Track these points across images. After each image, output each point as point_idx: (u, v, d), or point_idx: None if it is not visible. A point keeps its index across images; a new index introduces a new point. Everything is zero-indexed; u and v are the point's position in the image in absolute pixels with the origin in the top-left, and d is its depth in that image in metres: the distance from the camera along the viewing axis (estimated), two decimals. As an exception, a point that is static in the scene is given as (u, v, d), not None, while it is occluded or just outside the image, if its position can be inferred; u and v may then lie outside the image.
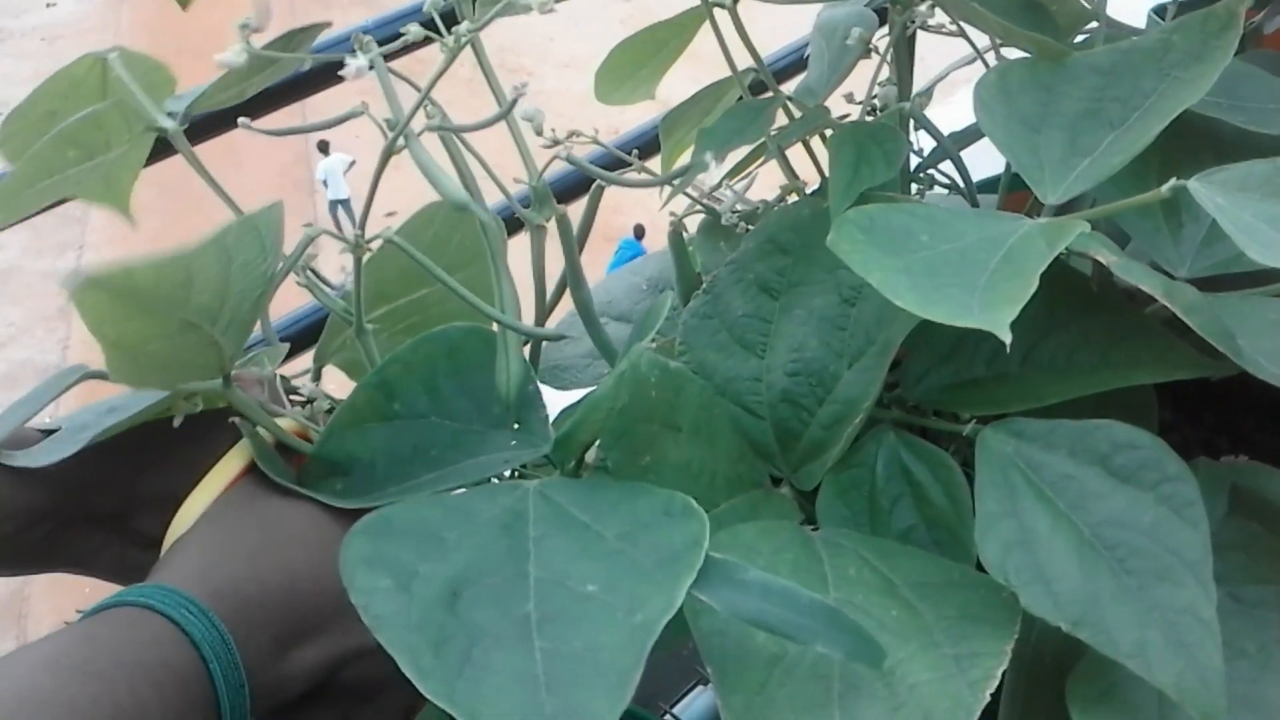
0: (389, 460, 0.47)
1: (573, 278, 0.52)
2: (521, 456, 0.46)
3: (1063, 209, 0.53)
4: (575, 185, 0.69)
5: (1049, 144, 0.53)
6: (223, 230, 0.36)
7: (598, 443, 0.46)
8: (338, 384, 0.56)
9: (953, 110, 0.72)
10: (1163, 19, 0.89)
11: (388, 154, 0.41)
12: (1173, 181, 0.45)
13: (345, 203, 7.59)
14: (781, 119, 0.64)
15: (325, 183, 7.56)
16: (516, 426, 0.47)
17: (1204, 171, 0.45)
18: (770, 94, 0.61)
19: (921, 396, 0.55)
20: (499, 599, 0.37)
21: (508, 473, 0.48)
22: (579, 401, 0.46)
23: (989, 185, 0.73)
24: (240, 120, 0.48)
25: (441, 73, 0.40)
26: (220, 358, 0.43)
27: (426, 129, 0.41)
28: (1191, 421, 0.70)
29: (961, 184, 0.63)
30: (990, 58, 0.71)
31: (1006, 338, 0.38)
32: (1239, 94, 0.62)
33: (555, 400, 0.63)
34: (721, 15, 0.65)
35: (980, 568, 0.48)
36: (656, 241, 0.66)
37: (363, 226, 0.45)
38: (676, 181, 0.55)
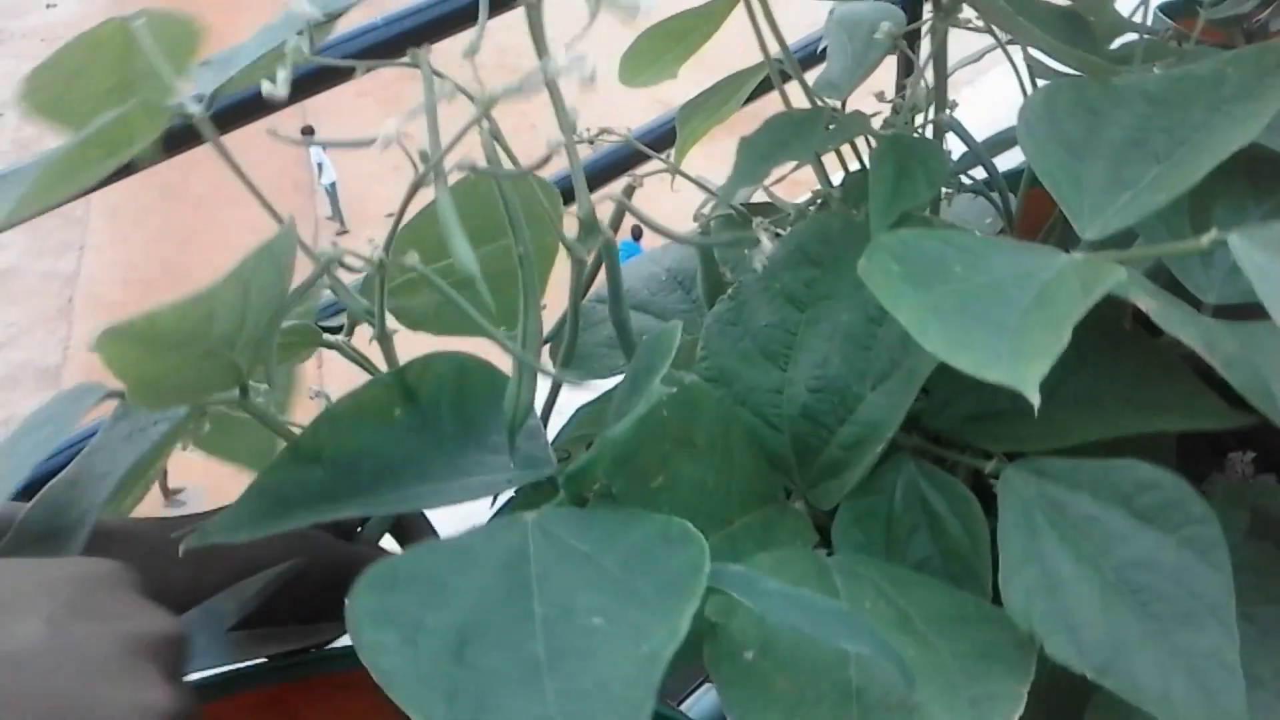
0: (378, 463, 0.46)
1: (614, 301, 0.51)
2: (520, 479, 0.46)
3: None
4: (589, 180, 0.68)
5: (1091, 173, 0.52)
6: (242, 262, 0.35)
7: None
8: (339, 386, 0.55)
9: (964, 107, 0.71)
10: (1170, 18, 0.87)
11: (414, 189, 0.40)
12: (1213, 233, 0.44)
13: (332, 187, 7.53)
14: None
15: (320, 166, 7.49)
16: (515, 454, 0.47)
17: (1246, 227, 0.44)
18: (805, 100, 0.60)
19: (943, 427, 0.54)
20: (506, 641, 0.37)
21: (508, 499, 0.47)
22: (592, 433, 0.45)
23: (1011, 179, 0.72)
24: (268, 129, 0.46)
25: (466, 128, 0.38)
26: (238, 374, 0.42)
27: (457, 168, 0.39)
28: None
29: (994, 192, 0.62)
30: (1014, 50, 0.70)
31: (1035, 399, 0.37)
32: (1275, 114, 0.61)
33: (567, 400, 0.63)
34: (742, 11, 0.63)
35: (995, 600, 0.48)
36: (653, 242, 0.65)
37: (387, 248, 0.43)
38: (718, 191, 0.53)
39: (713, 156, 0.69)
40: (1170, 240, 0.58)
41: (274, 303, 0.40)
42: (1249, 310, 0.57)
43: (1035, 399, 0.38)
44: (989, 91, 0.77)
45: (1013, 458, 0.50)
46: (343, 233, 8.52)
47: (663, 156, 0.62)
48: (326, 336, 0.54)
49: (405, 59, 0.43)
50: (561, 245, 0.48)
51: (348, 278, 0.50)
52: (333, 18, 0.49)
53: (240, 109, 0.66)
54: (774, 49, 0.66)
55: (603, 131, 0.57)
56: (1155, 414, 0.50)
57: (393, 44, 0.67)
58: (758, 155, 0.53)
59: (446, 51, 0.51)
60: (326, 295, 0.57)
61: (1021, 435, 0.51)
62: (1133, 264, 0.55)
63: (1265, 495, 0.55)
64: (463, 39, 0.49)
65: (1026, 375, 0.39)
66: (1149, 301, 0.47)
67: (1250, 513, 0.55)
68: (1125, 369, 0.52)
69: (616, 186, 0.58)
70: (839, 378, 0.54)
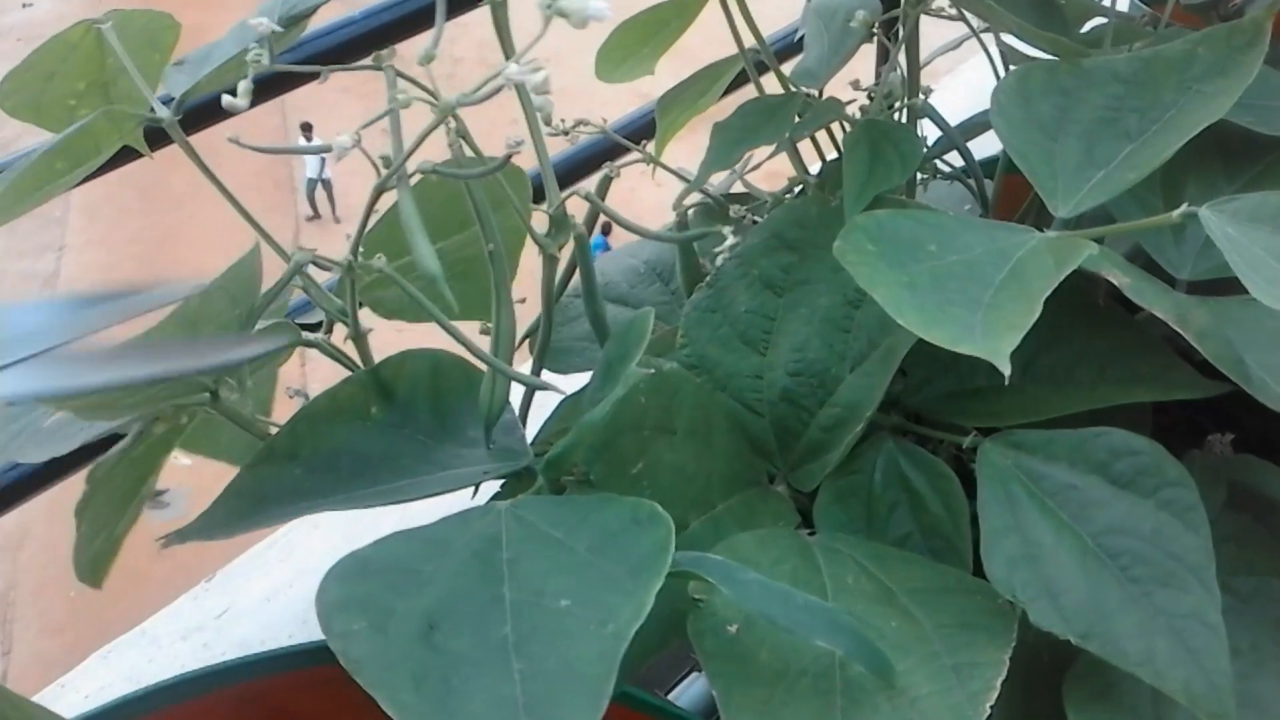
0: (355, 460, 0.46)
1: (589, 296, 0.51)
2: (496, 470, 0.46)
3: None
4: (567, 173, 0.68)
5: (1064, 153, 0.52)
6: (184, 303, 0.36)
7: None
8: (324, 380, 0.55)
9: (942, 95, 0.72)
10: (1145, 3, 0.88)
11: (378, 192, 0.40)
12: (1184, 208, 0.45)
13: (326, 182, 7.49)
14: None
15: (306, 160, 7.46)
16: (491, 447, 0.47)
17: (1216, 201, 0.45)
18: (781, 89, 0.60)
19: (921, 405, 0.55)
20: (476, 625, 0.37)
21: (487, 491, 0.48)
22: (573, 425, 0.45)
23: (986, 166, 0.73)
24: (229, 138, 0.46)
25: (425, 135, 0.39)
26: (204, 383, 0.42)
27: (419, 171, 0.39)
28: (1179, 401, 0.71)
29: (970, 178, 0.62)
30: (988, 39, 0.71)
31: (1006, 369, 0.38)
32: (1246, 91, 0.62)
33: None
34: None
35: (976, 573, 0.48)
36: (625, 238, 0.65)
37: (355, 251, 0.43)
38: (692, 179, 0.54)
39: (695, 147, 0.69)
40: (1144, 217, 0.59)
41: (235, 325, 0.41)
42: (1221, 285, 0.57)
43: (1006, 370, 0.38)
44: (966, 80, 0.78)
45: (991, 433, 0.51)
46: (337, 223, 8.43)
47: (641, 148, 0.62)
48: (305, 335, 0.54)
49: (369, 61, 0.43)
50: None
51: (326, 275, 0.51)
52: (295, 23, 0.50)
53: (217, 106, 0.66)
54: (750, 40, 0.67)
55: (579, 124, 0.57)
56: (1130, 386, 0.51)
57: (371, 38, 0.68)
58: (731, 140, 0.54)
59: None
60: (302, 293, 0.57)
61: (998, 411, 0.51)
62: (1107, 241, 0.56)
63: (1242, 470, 0.56)
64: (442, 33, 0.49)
65: (998, 348, 0.40)
66: (1122, 277, 0.47)
67: (1227, 487, 0.55)
68: (1100, 344, 0.53)
69: (596, 179, 0.59)
70: (818, 361, 0.54)
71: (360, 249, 0.44)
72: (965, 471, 0.51)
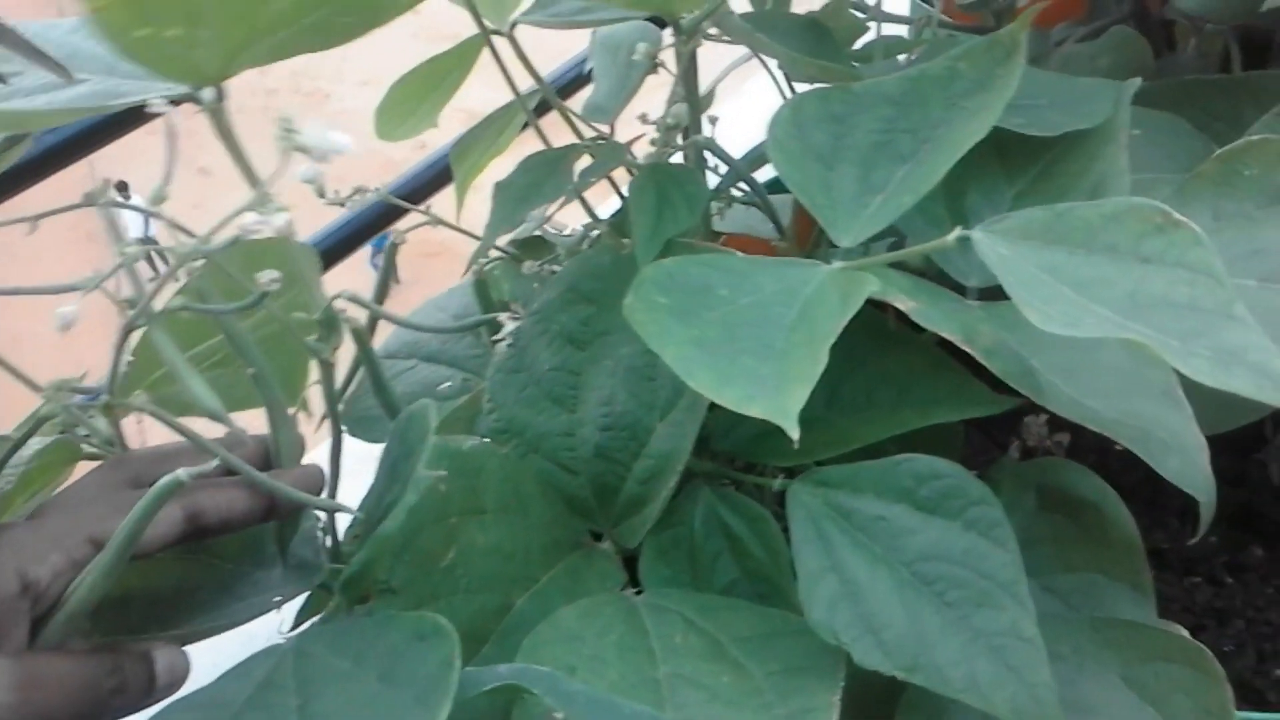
0: (147, 600, 0.43)
1: (378, 389, 0.49)
2: (289, 594, 0.44)
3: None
4: (361, 230, 0.66)
5: (841, 180, 0.52)
6: None
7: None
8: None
9: (734, 113, 0.71)
10: (928, 3, 0.90)
11: (126, 331, 0.37)
12: (958, 231, 0.45)
13: (152, 239, 7.22)
14: (569, 140, 0.62)
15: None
16: (287, 564, 0.45)
17: (988, 221, 0.46)
18: (571, 140, 0.59)
19: (733, 447, 0.54)
20: None
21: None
22: (368, 536, 0.43)
23: (779, 185, 0.73)
24: (21, 221, 0.43)
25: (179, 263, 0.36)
26: None
27: (169, 309, 0.37)
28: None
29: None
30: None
31: (794, 433, 0.38)
32: (1015, 93, 0.63)
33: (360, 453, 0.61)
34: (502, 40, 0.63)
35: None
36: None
37: (111, 389, 0.40)
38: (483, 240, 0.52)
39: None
40: (930, 230, 0.60)
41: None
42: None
43: (794, 433, 0.38)
44: (755, 98, 0.78)
45: (800, 472, 0.51)
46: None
47: (422, 208, 0.60)
48: (86, 448, 0.50)
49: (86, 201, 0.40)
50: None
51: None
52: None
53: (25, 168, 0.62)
54: (532, 83, 0.66)
55: (356, 191, 0.55)
56: (929, 408, 0.51)
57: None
58: (515, 198, 0.53)
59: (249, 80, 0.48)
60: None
61: (806, 447, 0.51)
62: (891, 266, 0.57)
63: (1048, 472, 0.57)
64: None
65: (786, 407, 0.39)
66: (908, 301, 0.48)
67: (1036, 489, 0.57)
68: (897, 368, 0.53)
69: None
70: (627, 413, 0.53)
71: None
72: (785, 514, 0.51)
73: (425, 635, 0.38)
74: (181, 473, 0.35)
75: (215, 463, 0.36)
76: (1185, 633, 0.52)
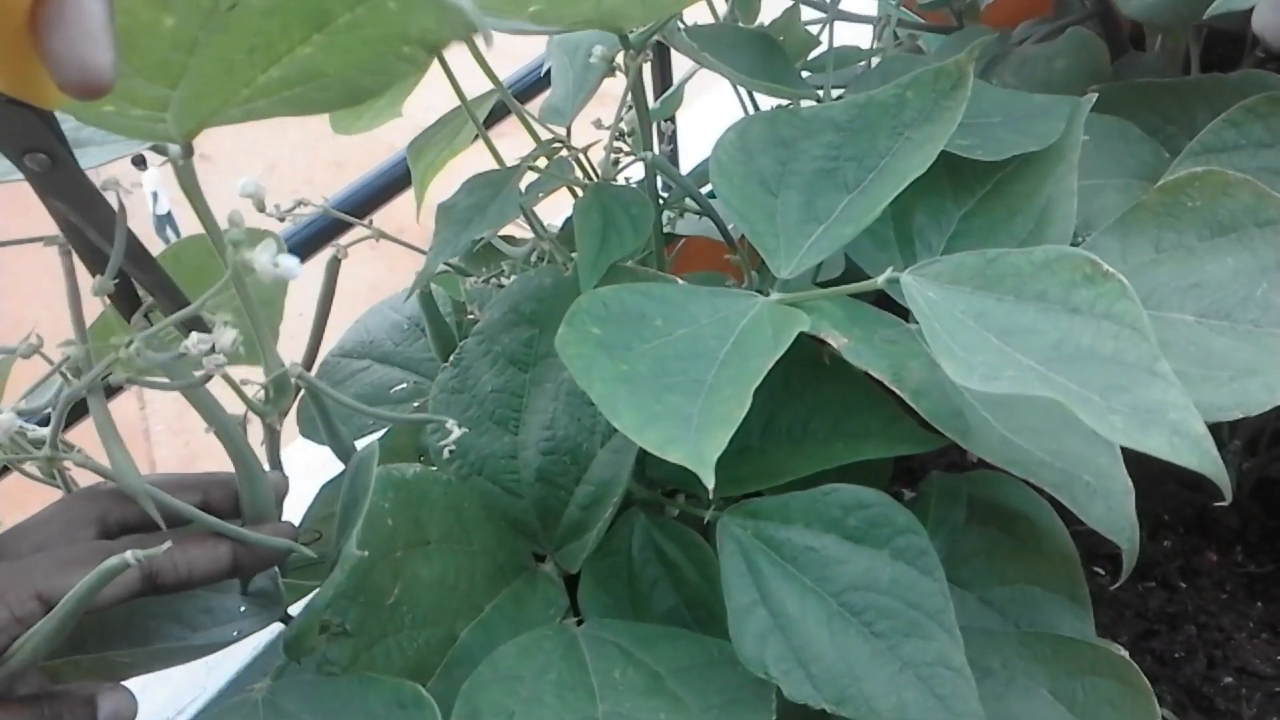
0: (98, 629, 0.43)
1: (329, 433, 0.49)
2: (250, 627, 0.44)
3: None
4: (315, 237, 0.65)
5: (786, 209, 0.52)
6: None
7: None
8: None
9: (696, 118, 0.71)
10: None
11: (68, 402, 0.37)
12: (889, 272, 0.46)
13: (169, 216, 7.12)
14: (528, 143, 0.62)
15: (155, 195, 7.08)
16: (246, 594, 0.45)
17: (918, 264, 0.46)
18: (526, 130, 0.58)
19: (668, 476, 0.55)
20: None
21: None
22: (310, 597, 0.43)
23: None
24: None
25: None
26: None
27: (109, 380, 0.36)
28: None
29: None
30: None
31: (709, 481, 0.38)
32: (965, 110, 0.63)
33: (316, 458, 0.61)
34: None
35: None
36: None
37: (54, 444, 0.40)
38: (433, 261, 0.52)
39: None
40: (876, 252, 0.60)
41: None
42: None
43: (710, 482, 0.38)
44: (727, 94, 0.77)
45: (734, 501, 0.51)
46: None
47: (365, 222, 0.60)
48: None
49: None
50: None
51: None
52: None
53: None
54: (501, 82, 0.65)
55: (298, 204, 0.55)
56: (859, 443, 0.52)
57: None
58: (459, 222, 0.52)
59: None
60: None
61: (740, 476, 0.52)
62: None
63: (978, 485, 0.58)
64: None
65: (704, 454, 0.39)
66: (839, 337, 0.48)
67: (967, 501, 0.57)
68: (831, 400, 0.54)
69: (326, 254, 0.56)
70: (569, 438, 0.54)
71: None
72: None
73: (405, 704, 0.38)
74: (129, 555, 0.35)
75: (167, 545, 0.36)
76: (1117, 647, 0.53)
